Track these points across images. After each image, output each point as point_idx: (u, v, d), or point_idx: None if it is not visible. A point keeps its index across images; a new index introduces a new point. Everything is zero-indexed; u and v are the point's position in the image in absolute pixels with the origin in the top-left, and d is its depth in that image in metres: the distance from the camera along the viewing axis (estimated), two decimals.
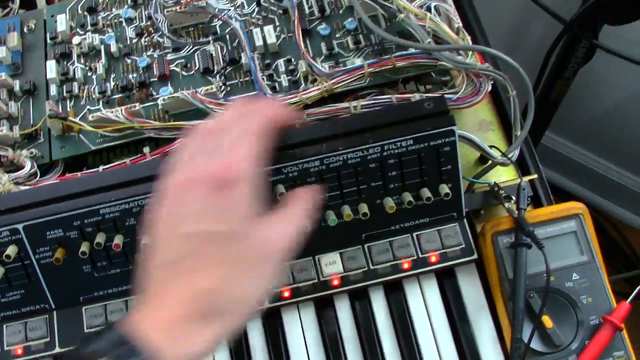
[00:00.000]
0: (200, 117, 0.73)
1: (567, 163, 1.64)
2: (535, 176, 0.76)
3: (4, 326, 0.73)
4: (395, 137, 0.68)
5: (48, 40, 0.82)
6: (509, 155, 0.74)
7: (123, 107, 0.73)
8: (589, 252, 0.69)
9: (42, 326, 0.73)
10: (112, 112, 0.73)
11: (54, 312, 0.73)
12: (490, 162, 0.75)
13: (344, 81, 0.73)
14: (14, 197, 0.70)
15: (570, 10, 0.98)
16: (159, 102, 0.74)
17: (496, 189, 0.72)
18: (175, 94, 0.73)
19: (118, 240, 0.69)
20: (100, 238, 0.69)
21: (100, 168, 0.74)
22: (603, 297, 0.68)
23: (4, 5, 0.86)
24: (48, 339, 0.72)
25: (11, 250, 0.69)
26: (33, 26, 0.83)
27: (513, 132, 0.75)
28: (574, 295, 0.68)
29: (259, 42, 0.77)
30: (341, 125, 0.70)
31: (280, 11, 0.80)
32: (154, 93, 0.77)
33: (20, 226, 0.69)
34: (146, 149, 0.74)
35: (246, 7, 0.81)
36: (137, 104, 0.74)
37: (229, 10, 0.80)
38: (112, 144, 0.75)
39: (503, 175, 0.78)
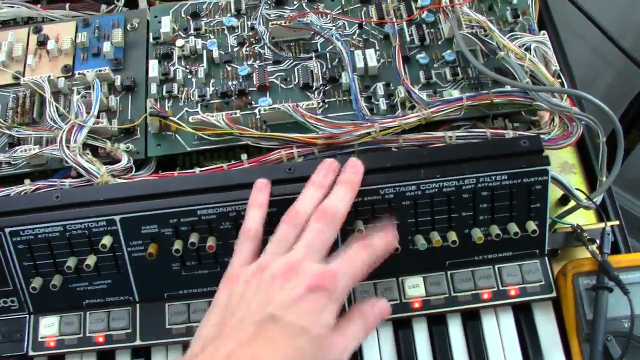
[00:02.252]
0: (298, 130, 0.77)
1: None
2: (617, 222, 0.80)
3: (88, 313, 0.76)
4: (491, 170, 0.72)
5: (150, 40, 0.86)
6: (594, 199, 0.78)
7: (224, 113, 0.77)
8: None
9: (125, 317, 0.76)
10: (214, 116, 0.77)
11: (137, 305, 0.76)
12: (573, 204, 0.79)
13: (442, 111, 0.77)
14: (114, 189, 0.74)
15: None
16: (260, 111, 0.78)
17: (579, 231, 0.76)
18: (277, 105, 0.77)
19: (212, 242, 0.72)
20: (194, 238, 0.72)
21: (197, 170, 0.77)
22: None
23: (109, 1, 0.91)
24: (129, 330, 0.75)
25: (107, 240, 0.72)
26: (136, 25, 0.86)
27: (598, 177, 0.78)
28: None
29: (359, 64, 0.81)
30: (439, 154, 0.74)
31: (381, 36, 0.84)
32: (253, 102, 0.81)
33: (117, 217, 0.72)
34: (244, 156, 0.77)
35: (347, 28, 0.85)
36: (237, 111, 0.77)
37: (331, 29, 0.85)
38: (207, 147, 0.78)
39: (581, 218, 0.82)
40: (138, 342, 0.75)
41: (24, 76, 0.83)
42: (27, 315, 0.76)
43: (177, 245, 0.72)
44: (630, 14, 1.18)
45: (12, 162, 0.79)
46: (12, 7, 0.88)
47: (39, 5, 0.89)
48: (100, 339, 0.75)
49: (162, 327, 0.75)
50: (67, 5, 0.90)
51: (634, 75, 1.07)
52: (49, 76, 0.81)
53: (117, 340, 0.75)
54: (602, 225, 0.76)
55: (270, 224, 0.68)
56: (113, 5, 0.91)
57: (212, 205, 0.72)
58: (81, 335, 0.75)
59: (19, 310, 0.76)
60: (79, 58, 0.85)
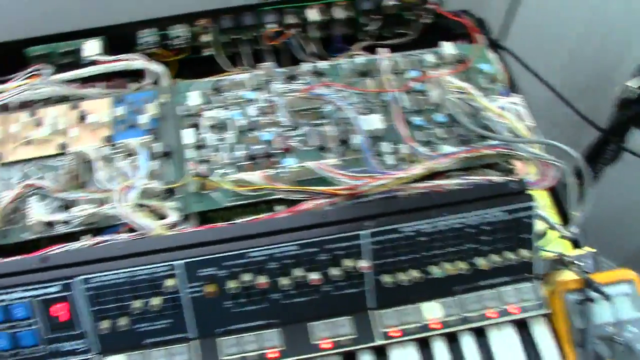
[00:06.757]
0: (322, 184, 0.98)
1: None
2: (594, 250, 1.03)
3: (150, 351, 0.91)
4: (489, 207, 0.94)
5: (180, 113, 1.05)
6: (572, 230, 1.01)
7: (259, 172, 0.97)
8: None
9: (185, 352, 0.90)
10: (251, 175, 0.97)
11: (193, 342, 0.91)
12: (550, 238, 1.03)
13: (442, 163, 1.00)
14: (171, 239, 0.91)
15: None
16: (287, 169, 0.98)
17: (563, 257, 0.99)
18: (303, 164, 0.98)
19: (262, 280, 0.91)
20: (246, 277, 0.91)
21: (239, 221, 0.96)
22: None
23: (135, 80, 1.11)
24: None
25: (171, 282, 0.89)
26: (166, 100, 1.06)
27: (572, 212, 1.02)
28: (631, 342, 0.94)
29: (366, 127, 1.03)
30: (446, 198, 0.95)
31: (380, 103, 1.07)
32: (278, 162, 1.01)
33: (180, 262, 0.89)
34: (279, 208, 0.96)
35: (351, 98, 1.08)
36: (269, 170, 0.98)
37: (340, 99, 1.07)
38: (242, 202, 0.97)
39: (558, 249, 1.05)
40: None
41: (68, 147, 1.01)
42: (93, 356, 0.90)
43: (232, 284, 0.90)
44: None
45: (67, 222, 0.96)
46: (50, 87, 1.06)
47: (74, 85, 1.08)
48: None
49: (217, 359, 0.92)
50: (99, 84, 1.08)
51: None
52: (96, 146, 0.99)
53: None
54: (581, 251, 1.00)
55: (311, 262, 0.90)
56: (140, 84, 1.10)
57: (260, 249, 0.91)
58: None
59: (84, 352, 0.90)
60: (117, 130, 1.03)
